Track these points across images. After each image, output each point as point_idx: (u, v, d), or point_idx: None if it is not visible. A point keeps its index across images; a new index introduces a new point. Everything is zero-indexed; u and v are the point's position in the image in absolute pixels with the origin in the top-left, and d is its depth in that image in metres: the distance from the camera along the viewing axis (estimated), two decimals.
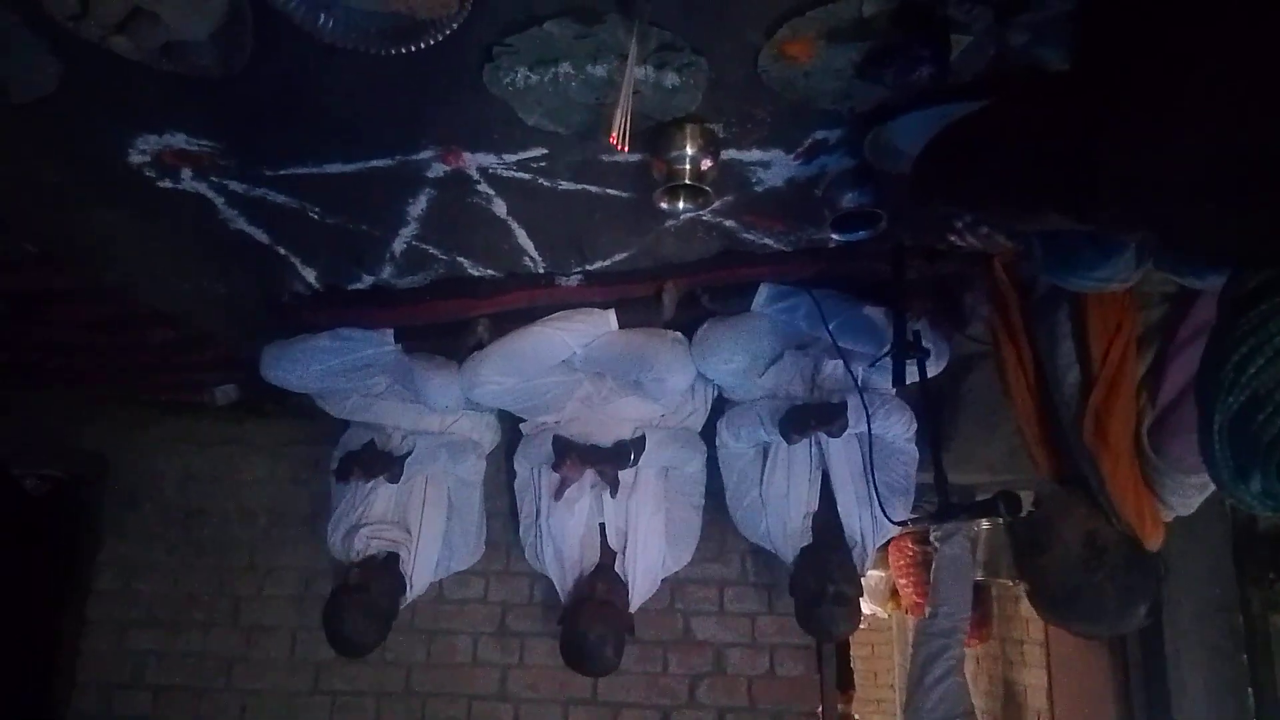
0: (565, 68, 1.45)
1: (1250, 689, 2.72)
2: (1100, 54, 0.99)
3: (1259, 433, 0.85)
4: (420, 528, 2.64)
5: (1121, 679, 3.03)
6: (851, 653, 5.49)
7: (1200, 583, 2.79)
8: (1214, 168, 0.81)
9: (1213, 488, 1.65)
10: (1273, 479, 0.86)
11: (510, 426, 2.94)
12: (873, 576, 4.91)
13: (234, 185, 1.88)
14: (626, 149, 1.44)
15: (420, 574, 2.64)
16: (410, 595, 2.64)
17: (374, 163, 1.78)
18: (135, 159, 1.79)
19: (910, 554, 4.19)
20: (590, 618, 2.45)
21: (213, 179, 1.87)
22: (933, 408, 2.26)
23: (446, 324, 2.56)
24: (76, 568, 3.30)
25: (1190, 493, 1.74)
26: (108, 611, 3.25)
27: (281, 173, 1.83)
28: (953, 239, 1.45)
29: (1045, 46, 1.17)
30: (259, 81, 1.52)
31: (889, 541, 4.30)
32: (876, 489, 2.33)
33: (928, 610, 3.50)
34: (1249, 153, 0.78)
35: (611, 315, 2.50)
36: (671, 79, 1.49)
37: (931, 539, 3.61)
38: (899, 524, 2.39)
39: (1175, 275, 1.35)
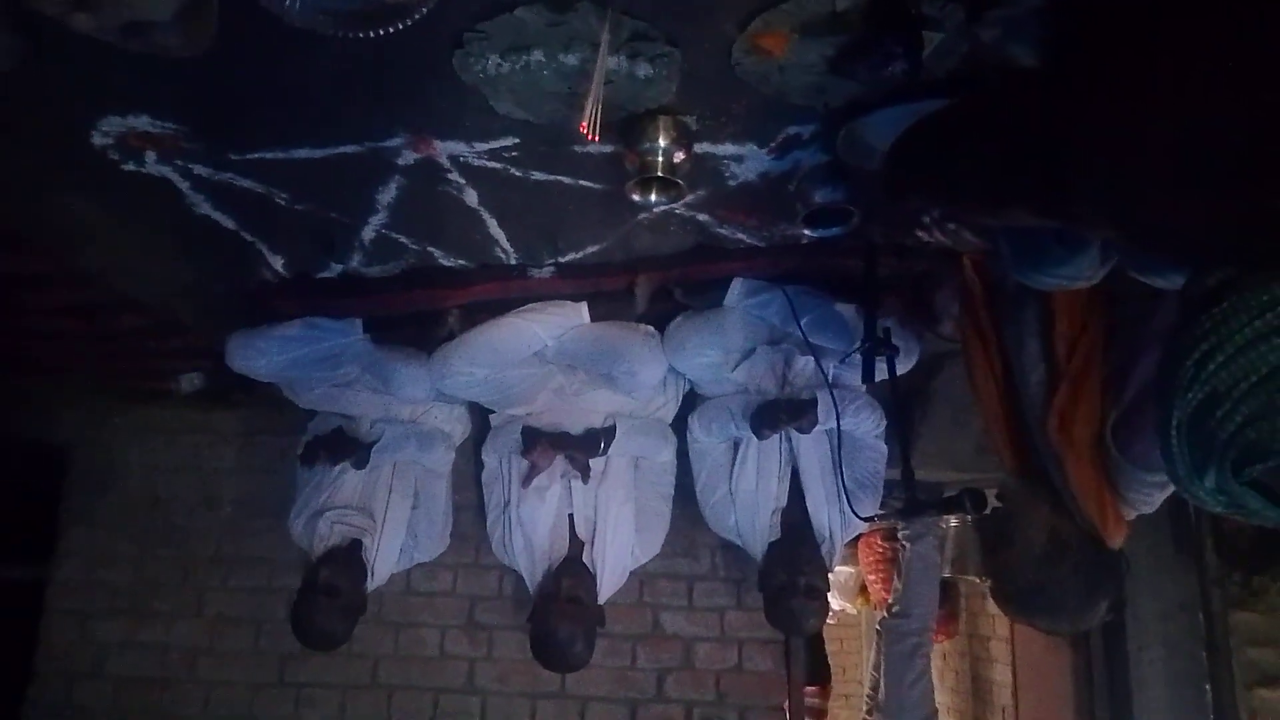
0: (537, 56, 1.44)
1: (1208, 685, 2.76)
2: (1072, 49, 0.99)
3: (1215, 430, 0.86)
4: (385, 515, 2.63)
5: (1084, 675, 3.07)
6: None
7: (1162, 581, 2.83)
8: (1184, 162, 0.82)
9: (1174, 487, 1.67)
10: (1226, 477, 0.87)
11: (480, 420, 2.92)
12: (842, 573, 4.94)
13: (199, 169, 1.86)
14: (597, 139, 1.43)
15: (383, 562, 2.62)
16: (372, 584, 2.62)
17: (343, 149, 1.76)
18: (99, 141, 1.76)
19: (879, 550, 4.22)
20: (559, 616, 2.45)
21: (178, 163, 1.84)
22: (901, 405, 2.27)
23: (417, 314, 2.54)
24: (39, 554, 3.25)
25: (1152, 491, 1.76)
26: (70, 601, 3.18)
27: (248, 157, 1.81)
28: (920, 234, 1.46)
29: (1015, 43, 1.18)
30: (225, 63, 1.49)
31: (858, 538, 4.33)
32: (845, 485, 2.34)
33: (897, 609, 3.52)
34: (1219, 146, 0.79)
35: (583, 308, 2.49)
36: (644, 70, 1.48)
37: (900, 536, 3.63)
38: (866, 520, 2.40)
39: (1139, 274, 1.36)
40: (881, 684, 3.49)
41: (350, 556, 2.56)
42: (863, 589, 4.79)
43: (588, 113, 1.40)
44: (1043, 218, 1.00)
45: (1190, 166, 0.81)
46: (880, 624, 3.67)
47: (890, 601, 3.63)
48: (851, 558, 4.66)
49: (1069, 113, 0.91)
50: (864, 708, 3.92)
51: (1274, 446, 0.82)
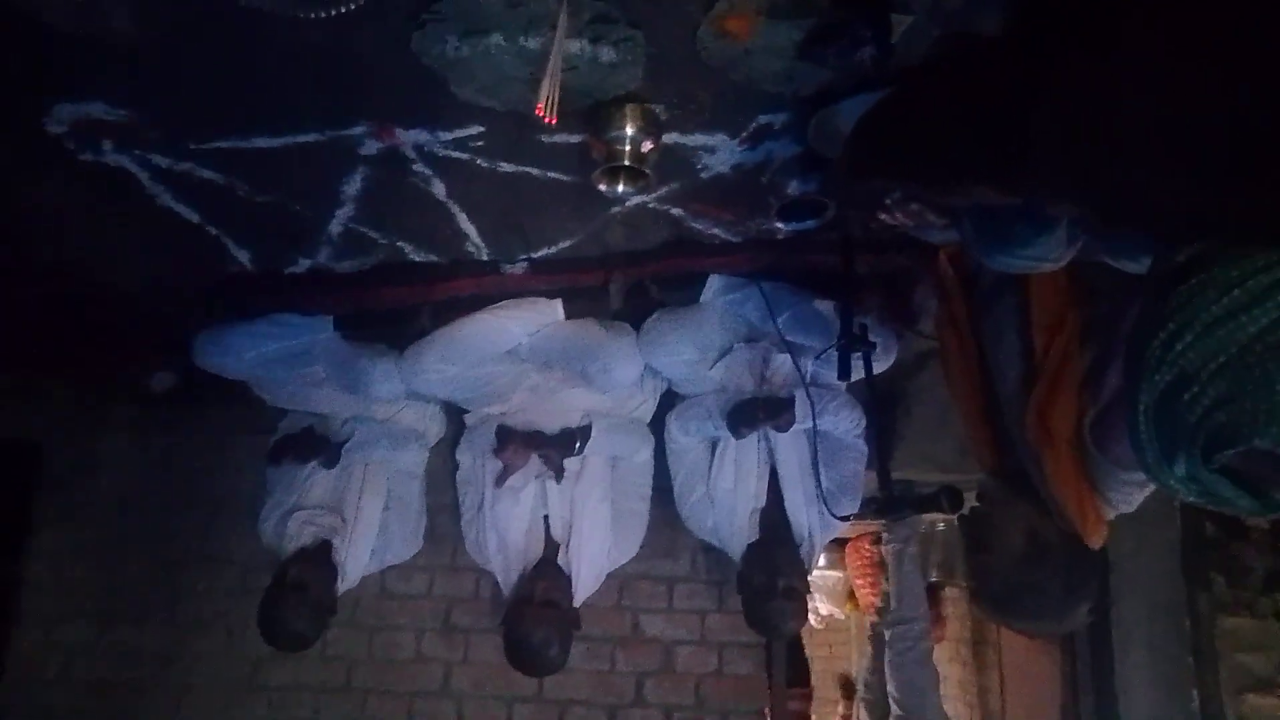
0: (497, 39, 1.40)
1: (1195, 690, 2.72)
2: (1037, 14, 0.95)
3: (1185, 412, 0.82)
4: (356, 515, 2.57)
5: (1069, 679, 3.02)
6: (809, 653, 5.47)
7: (1148, 584, 2.78)
8: (1146, 132, 0.78)
9: (1148, 478, 1.63)
10: (1197, 463, 0.82)
11: (456, 419, 2.87)
12: (830, 577, 4.90)
13: (157, 159, 1.81)
14: (555, 120, 1.39)
15: (354, 563, 2.57)
16: (343, 585, 2.56)
17: (303, 137, 1.72)
18: (54, 129, 1.72)
19: (867, 554, 4.18)
20: (533, 620, 2.39)
21: (136, 152, 1.80)
22: (878, 403, 2.23)
23: (389, 311, 2.50)
24: (8, 554, 3.20)
25: (1131, 491, 1.72)
26: (38, 603, 3.13)
27: (206, 146, 1.76)
28: (884, 217, 1.42)
29: (980, 11, 1.14)
30: (178, 46, 1.46)
31: (847, 542, 4.30)
32: (823, 485, 2.29)
33: (895, 616, 3.48)
34: (1182, 116, 0.74)
35: (558, 304, 2.45)
36: (608, 54, 1.44)
37: (883, 539, 3.60)
38: (844, 519, 2.36)
39: (1109, 256, 1.32)
40: (895, 692, 3.45)
41: (320, 557, 2.50)
42: (851, 594, 4.75)
43: (544, 92, 1.35)
44: (1006, 193, 0.96)
45: (1158, 134, 0.76)
46: (881, 630, 3.63)
47: (884, 607, 3.59)
48: (839, 562, 4.62)
49: (1033, 83, 0.87)
50: (861, 709, 3.88)
51: (1245, 430, 0.78)
